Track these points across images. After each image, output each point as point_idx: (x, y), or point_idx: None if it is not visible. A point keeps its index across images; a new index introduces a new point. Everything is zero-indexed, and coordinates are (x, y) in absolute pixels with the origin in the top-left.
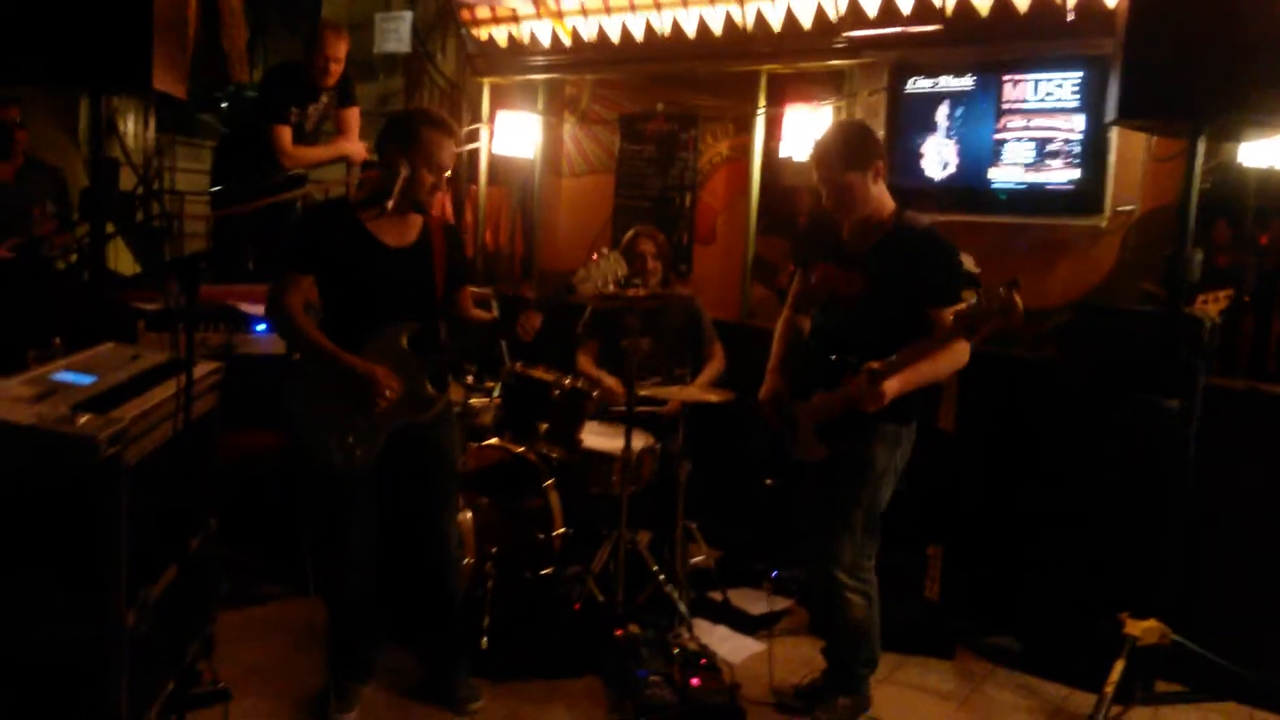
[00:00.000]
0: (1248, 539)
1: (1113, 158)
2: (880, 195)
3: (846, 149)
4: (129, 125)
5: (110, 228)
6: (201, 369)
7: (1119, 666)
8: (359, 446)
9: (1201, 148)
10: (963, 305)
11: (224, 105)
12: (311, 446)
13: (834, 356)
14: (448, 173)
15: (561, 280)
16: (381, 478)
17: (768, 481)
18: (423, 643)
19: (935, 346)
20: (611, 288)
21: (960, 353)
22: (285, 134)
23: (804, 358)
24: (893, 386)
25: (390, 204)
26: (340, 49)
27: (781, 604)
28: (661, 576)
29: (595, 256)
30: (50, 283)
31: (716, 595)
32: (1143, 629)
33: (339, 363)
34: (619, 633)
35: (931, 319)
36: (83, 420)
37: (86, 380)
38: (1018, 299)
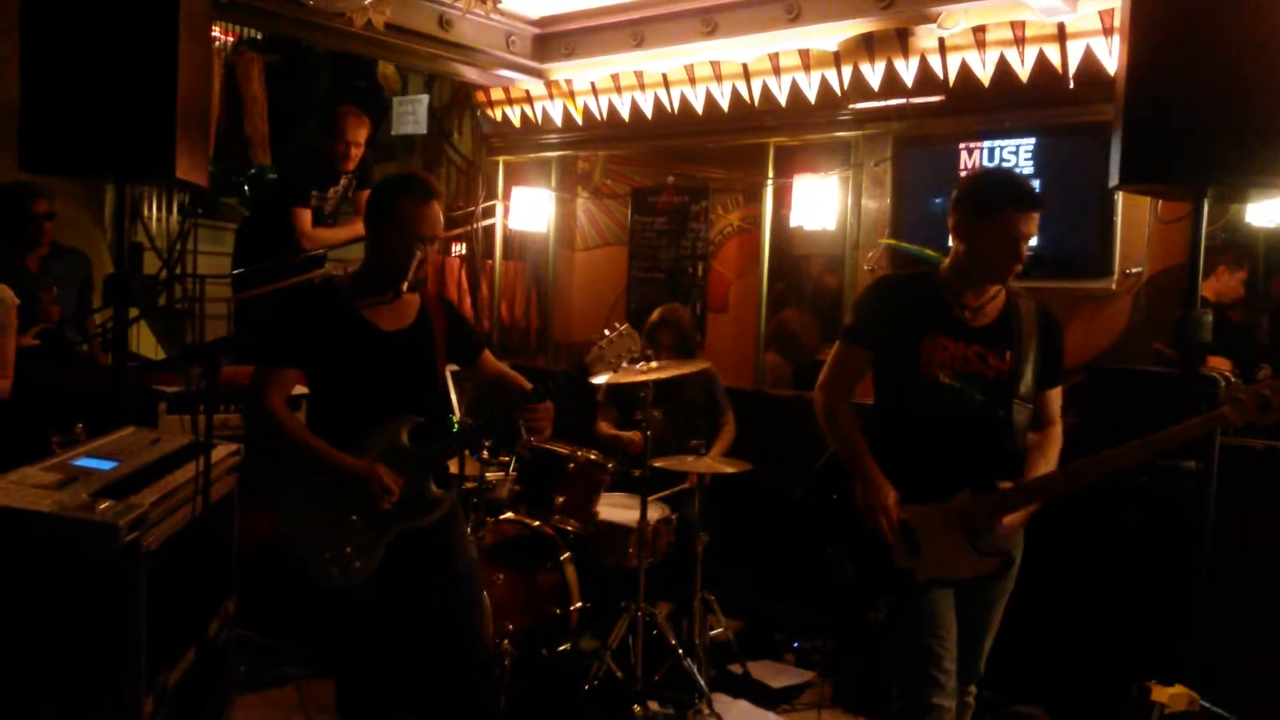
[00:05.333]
0: (1270, 599)
1: (1119, 220)
2: None
3: None
4: (152, 210)
5: (133, 312)
6: (221, 450)
7: None
8: (358, 558)
9: (1206, 210)
10: (1261, 384)
11: (246, 188)
12: (305, 561)
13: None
14: (435, 242)
15: (576, 354)
16: (390, 592)
17: (877, 616)
18: None
19: (1174, 439)
20: (625, 365)
21: None
22: (305, 216)
23: (923, 450)
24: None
25: (405, 285)
26: (361, 133)
27: (803, 676)
28: (680, 651)
29: (608, 332)
30: (74, 368)
31: (736, 668)
32: (1170, 695)
33: (334, 465)
34: (638, 710)
35: (1044, 403)
36: (102, 507)
37: (107, 466)
38: None
